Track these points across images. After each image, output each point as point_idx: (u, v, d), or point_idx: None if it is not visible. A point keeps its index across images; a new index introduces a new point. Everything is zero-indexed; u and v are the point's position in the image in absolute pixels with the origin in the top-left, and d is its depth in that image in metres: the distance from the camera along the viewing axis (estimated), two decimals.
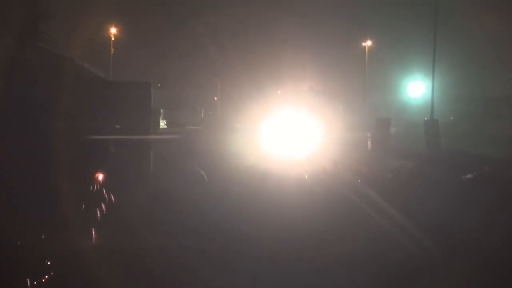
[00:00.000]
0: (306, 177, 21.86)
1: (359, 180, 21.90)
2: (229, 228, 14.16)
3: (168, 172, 20.97)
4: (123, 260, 11.61)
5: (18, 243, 11.68)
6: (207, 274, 10.94)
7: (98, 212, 15.05)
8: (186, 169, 21.84)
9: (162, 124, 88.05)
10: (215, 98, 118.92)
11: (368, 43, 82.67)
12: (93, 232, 13.04)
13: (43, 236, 12.24)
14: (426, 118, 45.38)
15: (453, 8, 70.65)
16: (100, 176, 19.42)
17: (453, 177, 23.40)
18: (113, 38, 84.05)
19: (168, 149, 29.73)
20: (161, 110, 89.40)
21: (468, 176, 22.98)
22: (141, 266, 11.25)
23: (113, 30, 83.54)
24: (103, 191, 17.33)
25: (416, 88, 64.83)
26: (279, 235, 13.71)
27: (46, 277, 10.30)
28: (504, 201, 18.33)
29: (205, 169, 21.61)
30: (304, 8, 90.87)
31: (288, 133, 43.68)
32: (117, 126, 20.85)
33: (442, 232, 14.10)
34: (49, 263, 10.83)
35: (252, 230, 13.97)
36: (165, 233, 13.65)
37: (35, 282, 9.99)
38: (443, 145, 42.93)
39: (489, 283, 11.19)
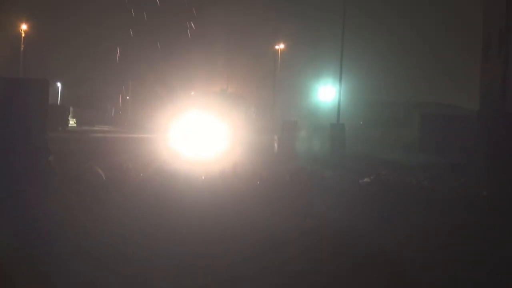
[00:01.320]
0: (203, 178, 22.11)
1: (258, 182, 22.22)
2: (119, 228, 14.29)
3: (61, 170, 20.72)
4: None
5: None
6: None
7: None
8: (83, 169, 21.63)
9: (72, 122, 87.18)
10: (127, 98, 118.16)
11: (281, 46, 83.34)
12: None
13: None
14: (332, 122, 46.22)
15: (362, 15, 72.11)
16: None
17: (350, 180, 24.03)
18: (23, 35, 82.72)
19: (69, 148, 29.44)
20: (71, 108, 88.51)
21: (365, 179, 23.59)
22: None
23: (24, 27, 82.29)
24: None
25: (327, 92, 65.67)
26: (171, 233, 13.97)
27: None
28: (396, 202, 18.99)
29: (104, 170, 21.48)
30: (217, 9, 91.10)
31: (197, 134, 43.77)
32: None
33: (325, 230, 14.64)
34: None
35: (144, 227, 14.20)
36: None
37: None
38: (349, 149, 43.71)
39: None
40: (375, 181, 23.14)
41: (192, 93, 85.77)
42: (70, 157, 25.85)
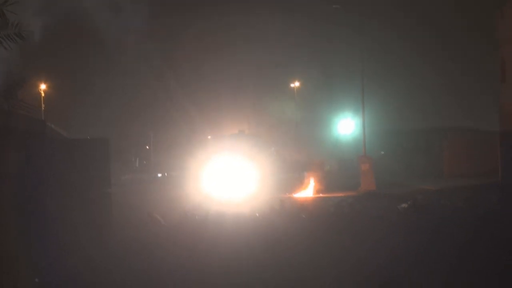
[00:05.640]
0: (257, 215, 23.30)
1: (303, 216, 23.46)
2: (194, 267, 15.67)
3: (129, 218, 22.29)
4: None
5: None
6: None
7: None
8: (143, 216, 22.98)
9: None
10: (147, 147, 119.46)
11: (296, 84, 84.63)
12: None
13: None
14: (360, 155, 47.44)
15: (378, 46, 73.65)
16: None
17: (389, 207, 25.18)
18: (43, 94, 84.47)
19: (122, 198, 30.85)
20: None
21: (403, 205, 24.76)
22: None
23: (43, 87, 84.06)
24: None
25: (346, 125, 66.59)
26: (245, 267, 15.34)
27: None
28: (436, 225, 20.19)
29: (160, 215, 22.83)
30: (231, 50, 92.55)
31: (225, 177, 44.93)
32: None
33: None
34: None
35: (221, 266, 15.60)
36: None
37: None
38: (377, 179, 44.81)
39: None
40: (412, 206, 24.35)
41: (209, 136, 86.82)
42: (124, 205, 27.20)
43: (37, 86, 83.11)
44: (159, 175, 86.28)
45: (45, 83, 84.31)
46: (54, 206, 17.15)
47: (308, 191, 42.84)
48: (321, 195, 40.76)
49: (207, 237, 18.91)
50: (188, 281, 14.87)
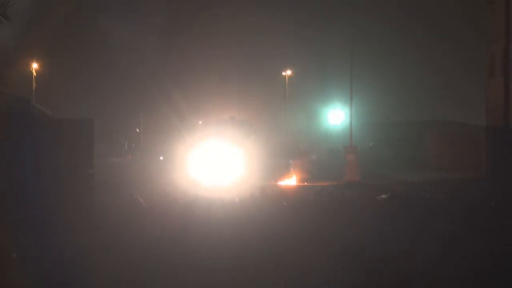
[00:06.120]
0: (237, 200, 23.63)
1: (284, 203, 23.80)
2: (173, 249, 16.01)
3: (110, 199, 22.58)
4: None
5: None
6: None
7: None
8: (125, 197, 23.23)
9: None
10: (137, 130, 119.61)
11: (288, 72, 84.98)
12: None
13: None
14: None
15: (369, 39, 74.02)
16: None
17: (368, 197, 25.61)
18: (35, 74, 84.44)
19: (105, 179, 31.18)
20: None
21: (382, 196, 25.19)
22: None
23: (35, 66, 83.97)
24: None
25: (336, 116, 66.83)
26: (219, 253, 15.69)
27: None
28: (413, 216, 20.59)
29: (144, 197, 23.12)
30: (224, 38, 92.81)
31: (213, 162, 45.15)
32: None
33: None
34: None
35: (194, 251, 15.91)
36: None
37: None
38: (363, 170, 45.21)
39: None
40: (392, 197, 24.77)
41: (200, 122, 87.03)
42: (107, 187, 27.53)
43: (29, 65, 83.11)
44: (161, 157, 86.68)
45: (36, 62, 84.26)
46: (35, 185, 17.37)
47: (293, 179, 43.22)
48: (305, 183, 41.10)
49: (187, 222, 19.20)
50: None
